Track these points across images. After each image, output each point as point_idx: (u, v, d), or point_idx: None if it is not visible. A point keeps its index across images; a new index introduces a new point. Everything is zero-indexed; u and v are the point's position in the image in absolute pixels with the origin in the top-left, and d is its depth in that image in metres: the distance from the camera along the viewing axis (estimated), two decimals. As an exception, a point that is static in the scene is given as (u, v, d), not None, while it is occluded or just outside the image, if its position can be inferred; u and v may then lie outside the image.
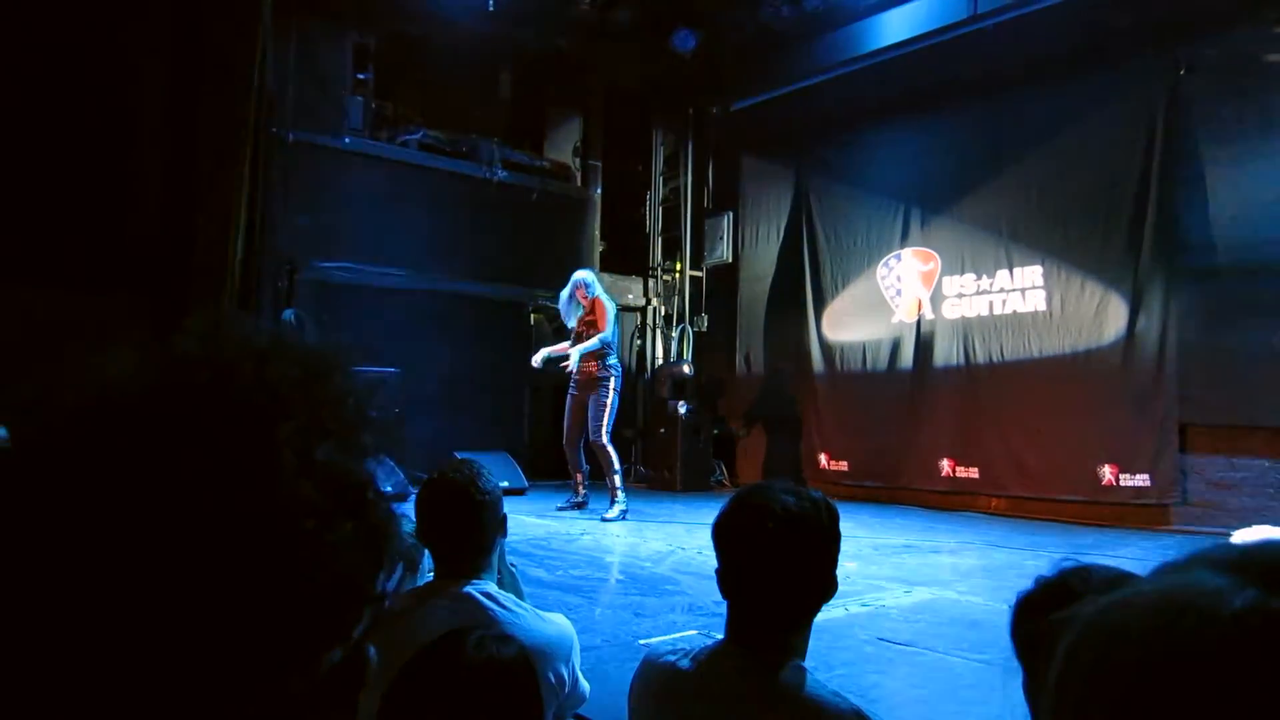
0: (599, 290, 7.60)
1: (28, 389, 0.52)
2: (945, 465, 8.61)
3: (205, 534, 0.48)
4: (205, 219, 7.88)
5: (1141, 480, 7.31)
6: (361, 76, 9.40)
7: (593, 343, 7.35)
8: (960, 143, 8.75)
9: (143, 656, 0.46)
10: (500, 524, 2.11)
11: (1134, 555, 5.79)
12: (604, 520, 7.13)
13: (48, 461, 0.50)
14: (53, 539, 0.47)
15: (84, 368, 0.53)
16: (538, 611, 2.16)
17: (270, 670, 0.50)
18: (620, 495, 7.28)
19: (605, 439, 7.28)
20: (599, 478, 7.55)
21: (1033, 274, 8.19)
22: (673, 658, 1.70)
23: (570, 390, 7.55)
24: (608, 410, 7.30)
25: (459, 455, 4.70)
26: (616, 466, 7.33)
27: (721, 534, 1.60)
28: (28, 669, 0.46)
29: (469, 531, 2.03)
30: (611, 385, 7.38)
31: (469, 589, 2.02)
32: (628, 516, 7.25)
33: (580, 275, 7.70)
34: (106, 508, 0.47)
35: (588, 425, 7.34)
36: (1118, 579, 1.22)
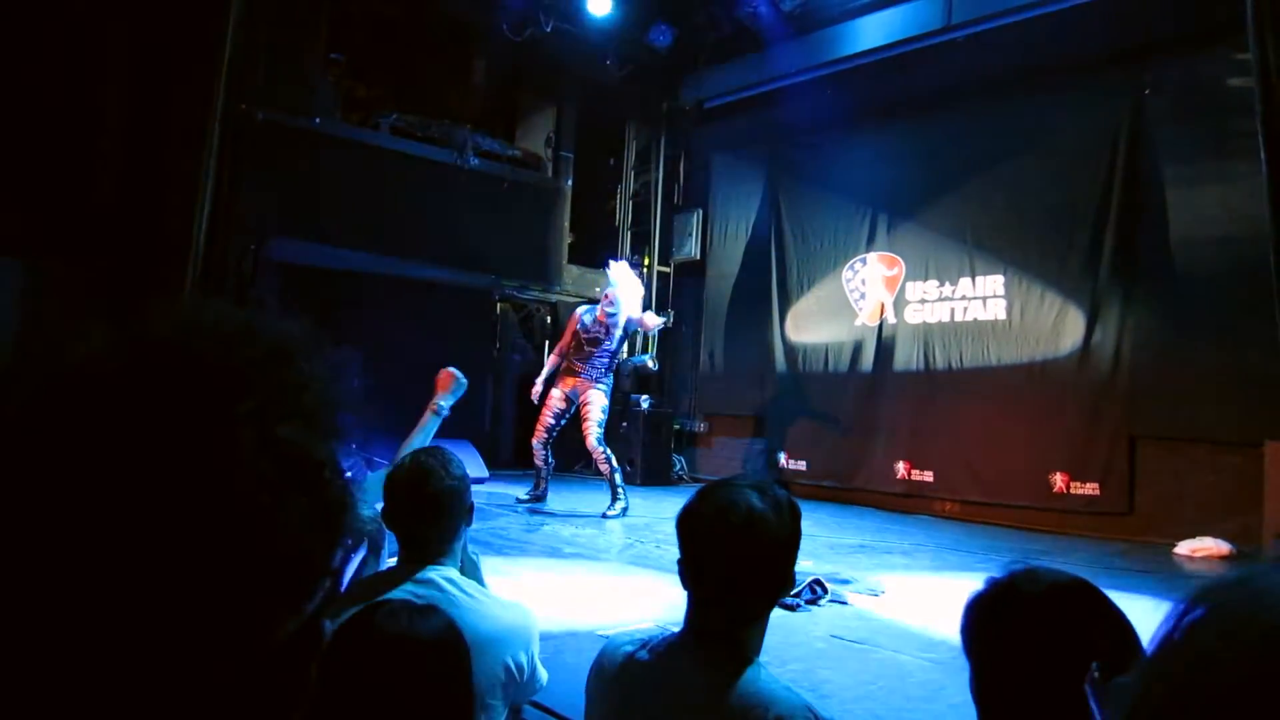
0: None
1: None
2: (901, 468, 8.74)
3: (162, 506, 0.49)
4: (170, 194, 7.76)
5: (1091, 489, 7.48)
6: (334, 57, 9.30)
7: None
8: (929, 151, 8.86)
9: (97, 626, 0.48)
10: (467, 512, 2.13)
11: (1082, 561, 5.94)
12: (604, 518, 7.15)
13: (7, 436, 0.51)
14: (12, 511, 0.48)
15: (50, 344, 0.54)
16: (499, 598, 2.18)
17: (224, 640, 0.51)
18: (621, 493, 7.30)
19: (599, 443, 7.30)
20: (561, 469, 7.55)
21: (994, 283, 8.33)
22: (630, 648, 1.73)
23: (556, 384, 7.51)
24: (603, 414, 7.33)
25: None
26: (615, 465, 7.36)
27: (685, 526, 1.63)
28: None
29: (436, 517, 2.05)
30: (608, 389, 7.41)
31: (431, 573, 2.04)
32: (628, 514, 7.27)
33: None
34: (67, 481, 0.49)
35: (583, 426, 7.31)
36: (1067, 582, 1.27)
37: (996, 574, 1.32)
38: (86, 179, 7.83)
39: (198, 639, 0.50)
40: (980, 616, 1.28)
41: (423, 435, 2.92)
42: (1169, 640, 0.52)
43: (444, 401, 3.07)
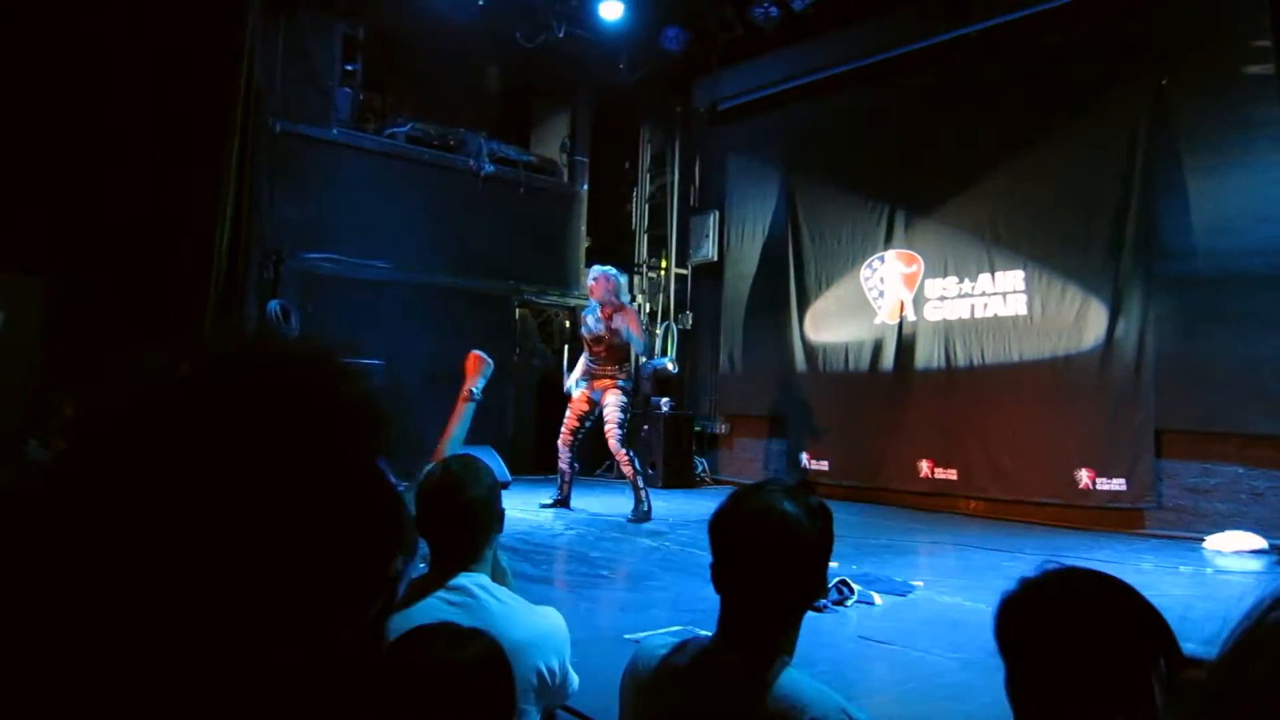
0: (626, 295, 7.61)
1: (90, 386, 0.57)
2: (924, 466, 8.70)
3: (233, 517, 0.51)
4: (192, 208, 7.84)
5: (1117, 484, 7.41)
6: (350, 68, 9.37)
7: (638, 344, 7.45)
8: (945, 146, 8.81)
9: (197, 625, 0.50)
10: (498, 519, 2.14)
11: (1109, 558, 5.90)
12: (630, 521, 7.16)
13: (110, 450, 0.53)
14: (122, 519, 0.51)
15: (133, 364, 0.57)
16: (530, 604, 2.20)
17: (288, 642, 0.53)
18: (645, 495, 7.32)
19: (622, 445, 7.33)
20: (584, 472, 7.58)
21: (1014, 278, 8.28)
22: (664, 651, 1.74)
23: (579, 384, 7.55)
24: (622, 414, 7.36)
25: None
26: (639, 468, 7.39)
27: (717, 531, 1.63)
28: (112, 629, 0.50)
29: (467, 527, 2.06)
30: (626, 392, 7.44)
31: (463, 579, 2.06)
32: (652, 517, 7.29)
33: (612, 271, 7.58)
34: (146, 493, 0.51)
35: (604, 429, 7.35)
36: (1101, 581, 1.27)
37: (1029, 573, 1.32)
38: (108, 196, 7.92)
39: (273, 641, 0.52)
40: (1014, 617, 1.27)
41: (462, 425, 2.94)
42: (1254, 635, 0.52)
43: (476, 386, 3.08)
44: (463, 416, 2.95)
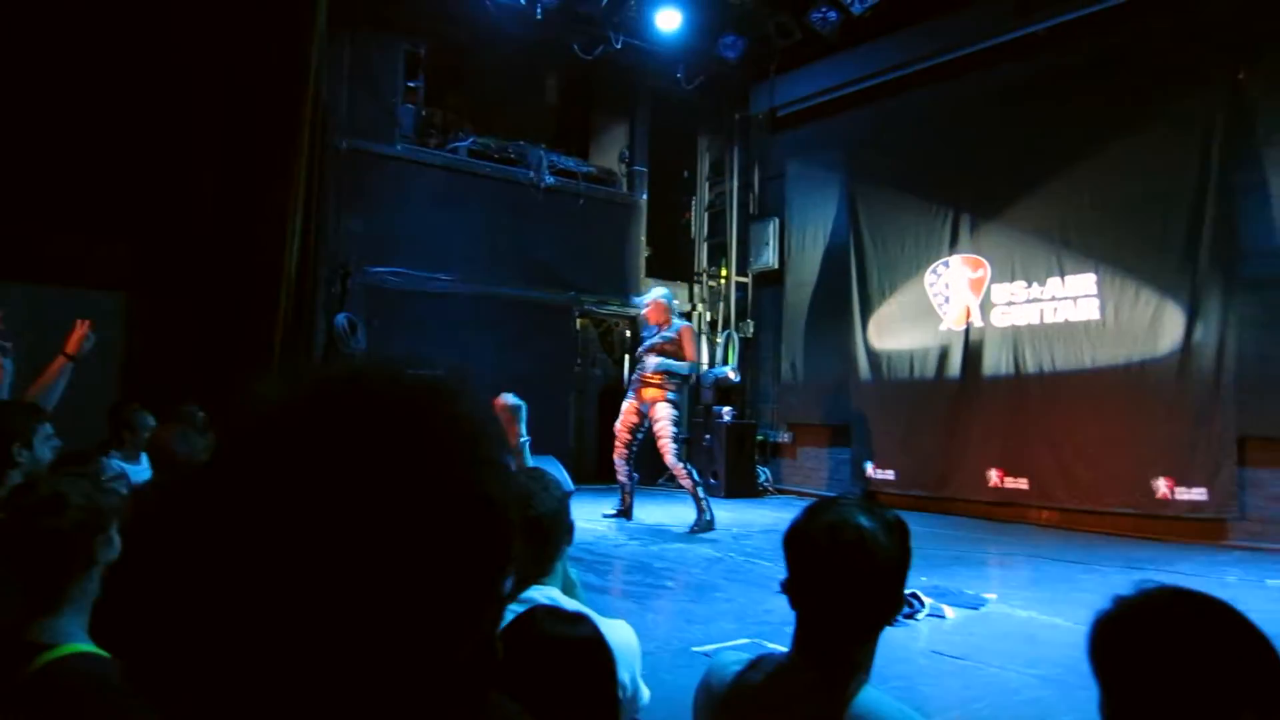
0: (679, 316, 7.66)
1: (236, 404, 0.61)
2: (993, 475, 8.51)
3: (359, 537, 0.54)
4: (262, 225, 8.04)
5: (1198, 494, 7.16)
6: (412, 84, 9.54)
7: (684, 365, 7.42)
8: (1011, 148, 8.63)
9: (305, 638, 0.53)
10: (567, 531, 2.14)
11: (1191, 571, 5.69)
12: (691, 532, 7.15)
13: (233, 476, 0.57)
14: (273, 534, 0.54)
15: (261, 387, 0.61)
16: (600, 618, 2.18)
17: (410, 657, 0.55)
18: (706, 506, 7.29)
19: (678, 459, 7.31)
20: (645, 482, 7.57)
21: (1085, 282, 8.06)
22: (738, 667, 1.71)
23: (629, 395, 7.56)
24: (675, 427, 7.34)
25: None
26: (698, 480, 7.37)
27: (793, 545, 1.60)
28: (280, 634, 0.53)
29: (537, 538, 2.06)
30: (676, 404, 7.43)
31: (534, 592, 2.05)
32: (715, 527, 7.26)
33: (667, 294, 7.71)
34: (282, 512, 0.54)
35: (657, 445, 7.34)
36: (1203, 601, 1.21)
37: (1126, 592, 1.26)
38: (185, 216, 8.18)
39: (385, 657, 0.54)
40: (1111, 638, 1.22)
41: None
42: None
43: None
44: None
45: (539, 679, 1.36)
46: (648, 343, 7.52)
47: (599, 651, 1.44)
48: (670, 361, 7.35)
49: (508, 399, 3.21)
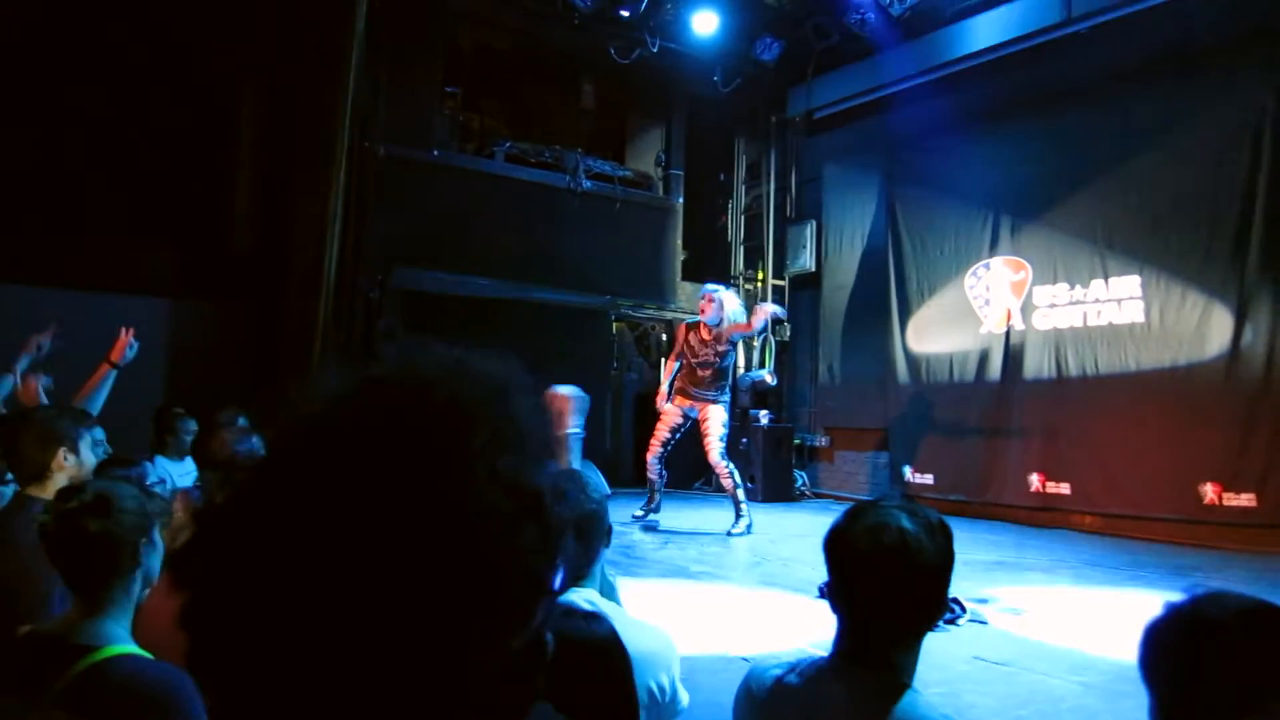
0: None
1: (278, 404, 0.62)
2: (1035, 480, 8.39)
3: (412, 533, 0.54)
4: (301, 231, 8.16)
5: (1247, 499, 7.00)
6: (449, 90, 9.62)
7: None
8: (1052, 148, 8.50)
9: (361, 634, 0.53)
10: (605, 534, 2.14)
11: (1240, 578, 5.55)
12: (730, 535, 7.12)
13: (288, 470, 0.58)
14: (304, 536, 0.55)
15: (301, 388, 0.62)
16: (639, 621, 2.18)
17: (463, 652, 0.56)
18: (745, 509, 7.27)
19: (724, 458, 7.29)
20: (674, 486, 7.54)
21: (1129, 284, 7.92)
22: (779, 671, 1.70)
23: (670, 400, 7.51)
24: (724, 429, 7.32)
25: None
26: (739, 481, 7.34)
27: (834, 549, 1.59)
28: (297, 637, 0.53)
29: (576, 540, 2.06)
30: (727, 404, 7.42)
31: (572, 595, 2.05)
32: (753, 530, 7.23)
33: (722, 289, 7.57)
34: (335, 508, 0.55)
35: (704, 441, 7.30)
36: (1257, 608, 1.18)
37: (1177, 599, 1.24)
38: (226, 223, 8.33)
39: (440, 650, 0.55)
40: (1164, 644, 1.20)
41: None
42: None
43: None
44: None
45: (552, 676, 1.36)
46: (698, 356, 7.35)
47: (613, 650, 1.42)
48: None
49: (565, 390, 3.21)
